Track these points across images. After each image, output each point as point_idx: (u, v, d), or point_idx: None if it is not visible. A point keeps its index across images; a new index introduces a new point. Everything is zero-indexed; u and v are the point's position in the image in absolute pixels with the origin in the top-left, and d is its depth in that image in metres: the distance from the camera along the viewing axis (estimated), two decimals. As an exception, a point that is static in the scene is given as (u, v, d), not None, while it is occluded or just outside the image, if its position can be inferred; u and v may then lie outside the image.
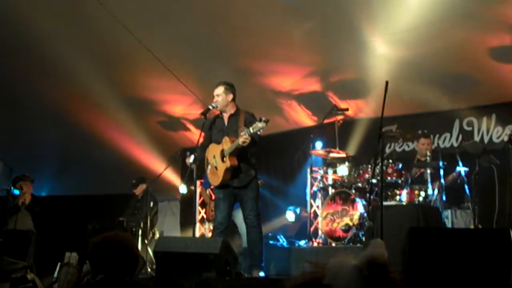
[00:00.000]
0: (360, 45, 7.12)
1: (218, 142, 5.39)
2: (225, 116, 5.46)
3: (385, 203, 6.21)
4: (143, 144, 10.07)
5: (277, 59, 7.93)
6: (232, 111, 5.44)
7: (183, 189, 8.89)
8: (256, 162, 5.48)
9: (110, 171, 10.30)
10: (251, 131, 4.90)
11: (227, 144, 5.22)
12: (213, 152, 5.39)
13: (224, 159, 5.22)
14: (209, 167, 5.49)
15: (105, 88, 8.63)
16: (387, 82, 4.92)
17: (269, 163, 9.62)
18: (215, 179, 5.36)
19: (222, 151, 5.25)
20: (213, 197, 7.92)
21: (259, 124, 4.87)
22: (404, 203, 6.50)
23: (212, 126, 5.54)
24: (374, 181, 6.36)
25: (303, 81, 8.32)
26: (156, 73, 8.46)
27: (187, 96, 9.11)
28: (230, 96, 5.44)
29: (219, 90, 5.41)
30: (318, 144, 8.28)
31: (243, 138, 4.93)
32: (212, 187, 7.86)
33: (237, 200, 5.42)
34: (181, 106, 9.55)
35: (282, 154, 9.47)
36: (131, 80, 8.78)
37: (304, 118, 9.12)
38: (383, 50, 7.10)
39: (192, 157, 5.57)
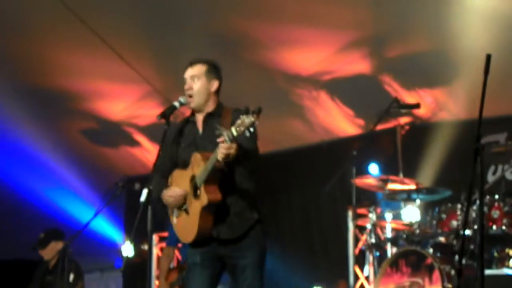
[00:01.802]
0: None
1: (188, 163, 5.35)
2: (199, 118, 5.41)
3: (488, 271, 6.14)
4: (54, 171, 10.04)
5: (292, 19, 7.96)
6: (211, 109, 5.41)
7: (128, 250, 8.82)
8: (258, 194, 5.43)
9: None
10: (234, 132, 4.84)
11: (199, 165, 5.15)
12: (180, 184, 5.29)
13: (198, 192, 5.17)
14: (175, 210, 5.43)
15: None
16: (488, 57, 4.90)
17: (279, 201, 9.64)
18: (187, 231, 5.25)
19: (193, 178, 5.21)
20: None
21: (246, 120, 4.77)
22: (522, 272, 6.50)
23: (179, 137, 5.48)
24: (468, 232, 6.32)
25: (339, 56, 8.35)
26: (80, 45, 8.47)
27: (136, 85, 9.14)
28: (214, 85, 5.36)
29: (197, 70, 5.37)
30: (373, 168, 8.24)
31: (224, 148, 4.88)
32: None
33: (226, 268, 5.35)
34: (125, 102, 9.58)
35: (302, 185, 9.49)
36: (36, 56, 8.79)
37: (341, 121, 9.16)
38: (482, 0, 7.13)
39: (145, 192, 5.50)
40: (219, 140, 4.86)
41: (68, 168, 9.96)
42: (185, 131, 5.48)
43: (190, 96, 5.34)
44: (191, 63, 5.40)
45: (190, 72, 5.38)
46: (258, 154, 5.25)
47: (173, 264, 8.10)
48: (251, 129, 4.72)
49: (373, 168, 8.40)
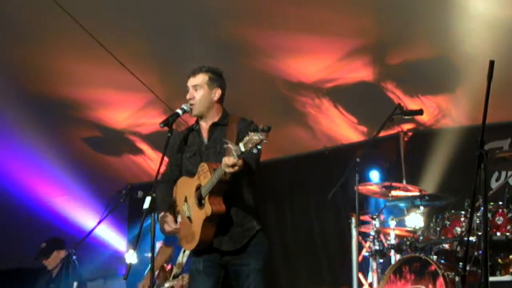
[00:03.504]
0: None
1: (193, 172, 5.36)
2: (204, 126, 5.40)
3: (492, 278, 6.12)
4: (58, 179, 10.04)
5: (295, 27, 7.95)
6: (216, 119, 5.43)
7: (131, 257, 8.80)
8: (260, 204, 5.42)
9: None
10: (242, 148, 4.85)
11: (205, 176, 5.16)
12: (185, 191, 5.31)
13: (203, 202, 5.18)
14: (179, 218, 5.43)
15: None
16: (492, 63, 4.88)
17: (282, 208, 9.64)
18: (189, 239, 5.27)
19: (199, 188, 5.22)
20: (168, 267, 7.88)
21: (254, 137, 4.76)
22: (527, 279, 6.44)
23: (184, 146, 5.49)
24: (472, 239, 6.28)
25: (342, 64, 8.34)
26: (84, 54, 8.47)
27: (139, 94, 9.13)
28: (217, 93, 5.39)
29: (199, 80, 5.37)
30: (374, 175, 8.21)
31: (230, 161, 4.89)
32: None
33: (229, 274, 5.35)
34: (128, 110, 9.58)
35: (305, 192, 9.49)
36: (40, 65, 8.78)
37: (344, 128, 9.15)
38: (485, 6, 7.10)
39: (148, 200, 5.50)
40: (226, 157, 4.88)
41: (71, 176, 9.95)
42: (189, 140, 5.50)
43: (192, 105, 5.35)
44: (193, 73, 5.42)
45: (192, 82, 5.39)
46: (257, 168, 5.26)
47: (167, 265, 8.07)
48: (259, 147, 4.74)
49: (374, 175, 8.39)
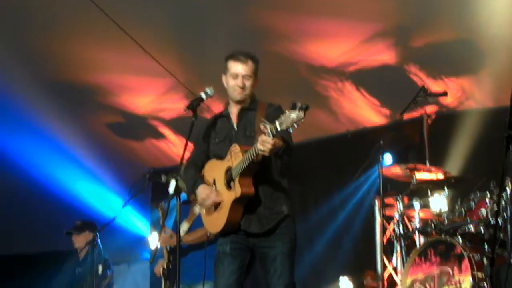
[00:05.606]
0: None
1: (222, 157, 5.35)
2: (234, 111, 5.40)
3: (519, 260, 6.09)
4: (82, 164, 10.08)
5: (316, 10, 7.91)
6: (247, 104, 5.42)
7: (155, 241, 8.82)
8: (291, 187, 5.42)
9: (20, 215, 10.34)
10: (278, 127, 4.79)
11: (237, 157, 5.15)
12: (214, 173, 5.28)
13: (232, 184, 5.16)
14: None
15: (12, 66, 8.66)
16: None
17: (305, 191, 9.65)
18: (216, 222, 5.24)
19: (229, 170, 5.21)
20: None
21: (292, 115, 4.64)
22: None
23: (211, 132, 5.49)
24: (499, 221, 6.22)
25: (364, 47, 8.30)
26: (106, 40, 8.47)
27: (161, 79, 9.12)
28: (257, 82, 5.46)
29: (249, 69, 5.33)
30: (388, 158, 8.21)
31: (265, 140, 4.84)
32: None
33: (256, 258, 5.33)
34: (150, 96, 9.58)
35: (328, 175, 9.51)
36: (63, 52, 8.78)
37: (366, 111, 9.13)
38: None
39: (173, 184, 5.48)
40: (261, 135, 4.83)
41: (95, 161, 10.02)
42: (218, 126, 5.48)
43: (242, 89, 5.32)
44: (241, 60, 5.35)
45: (243, 70, 5.32)
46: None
47: None
48: (295, 125, 4.67)
49: (387, 159, 8.35)
